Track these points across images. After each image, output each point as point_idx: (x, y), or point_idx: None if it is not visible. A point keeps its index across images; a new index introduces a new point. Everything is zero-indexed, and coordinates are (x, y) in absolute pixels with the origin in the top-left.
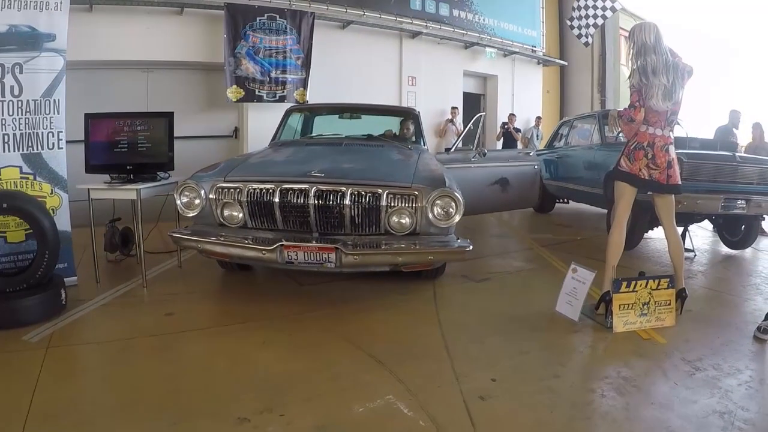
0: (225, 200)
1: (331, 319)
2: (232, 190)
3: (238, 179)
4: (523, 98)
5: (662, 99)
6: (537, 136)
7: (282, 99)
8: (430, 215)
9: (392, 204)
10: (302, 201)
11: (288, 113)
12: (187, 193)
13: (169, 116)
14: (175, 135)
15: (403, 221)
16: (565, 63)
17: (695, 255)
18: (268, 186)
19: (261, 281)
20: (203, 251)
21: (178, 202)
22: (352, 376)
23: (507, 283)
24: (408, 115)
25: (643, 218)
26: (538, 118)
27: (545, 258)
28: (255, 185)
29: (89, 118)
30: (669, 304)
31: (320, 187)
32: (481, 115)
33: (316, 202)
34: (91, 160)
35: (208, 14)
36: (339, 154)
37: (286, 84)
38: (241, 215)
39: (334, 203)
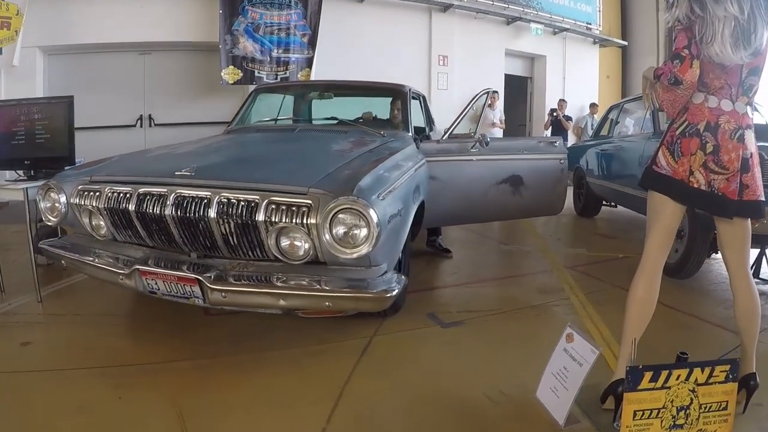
0: (87, 206)
1: (182, 378)
2: (92, 193)
3: (102, 179)
4: (576, 82)
5: (732, 44)
6: (592, 125)
7: (284, 81)
8: (326, 237)
9: (274, 219)
10: (158, 210)
11: (255, 94)
12: (50, 195)
13: (68, 101)
14: (174, 121)
15: (297, 244)
16: (625, 43)
17: None
18: (125, 189)
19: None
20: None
21: (41, 206)
22: None
23: (486, 333)
24: (395, 93)
25: (704, 239)
26: (593, 105)
27: (565, 288)
28: (113, 187)
29: None
30: (725, 408)
31: (182, 191)
32: (487, 91)
33: (174, 212)
34: None
35: None
36: (261, 145)
37: (288, 64)
38: (105, 226)
39: (197, 215)
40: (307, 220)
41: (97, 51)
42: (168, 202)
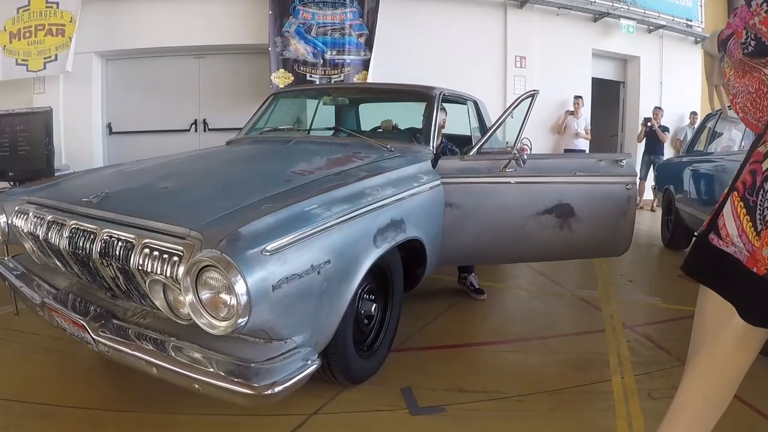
0: (19, 227)
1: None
2: (22, 215)
3: (34, 201)
4: (675, 88)
5: None
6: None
7: (323, 84)
8: (190, 299)
9: (146, 266)
10: (57, 241)
11: (273, 99)
12: None
13: (46, 114)
14: (226, 126)
15: (181, 300)
16: None
17: None
18: (42, 214)
19: None
20: None
21: None
22: None
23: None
24: (419, 97)
25: None
26: (694, 114)
27: (612, 362)
28: (37, 211)
29: None
30: None
31: (77, 223)
32: (531, 94)
33: (67, 245)
34: None
35: None
36: (215, 164)
37: (344, 66)
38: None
39: (83, 251)
40: (176, 273)
41: (153, 55)
42: (64, 234)
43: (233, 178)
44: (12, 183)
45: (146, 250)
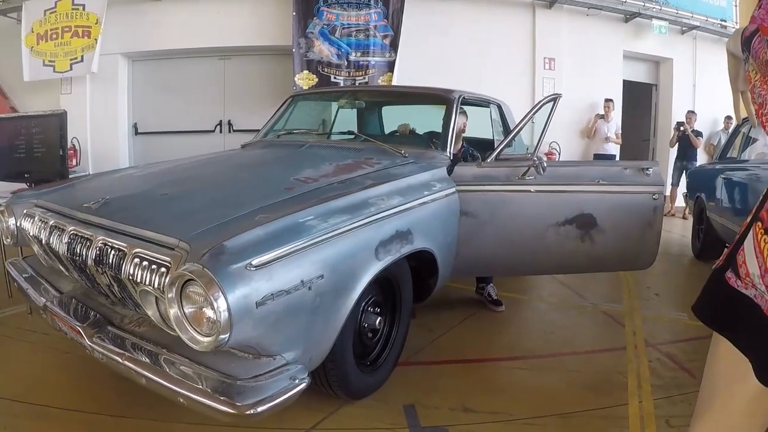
0: (26, 231)
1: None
2: (29, 218)
3: (43, 204)
4: (709, 91)
5: None
6: None
7: (346, 86)
8: (172, 312)
9: (135, 276)
10: (57, 247)
11: (292, 101)
12: (2, 217)
13: (60, 117)
14: (251, 128)
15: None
16: None
17: None
18: (46, 218)
19: None
20: None
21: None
22: None
23: None
24: (438, 101)
25: None
26: (728, 118)
27: (630, 383)
28: (43, 215)
29: None
30: None
31: (76, 228)
32: (554, 97)
33: (65, 251)
34: None
35: None
36: (220, 169)
37: (368, 68)
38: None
39: (80, 258)
40: (163, 284)
41: (179, 56)
42: (63, 239)
43: (235, 185)
44: (29, 184)
45: (136, 260)
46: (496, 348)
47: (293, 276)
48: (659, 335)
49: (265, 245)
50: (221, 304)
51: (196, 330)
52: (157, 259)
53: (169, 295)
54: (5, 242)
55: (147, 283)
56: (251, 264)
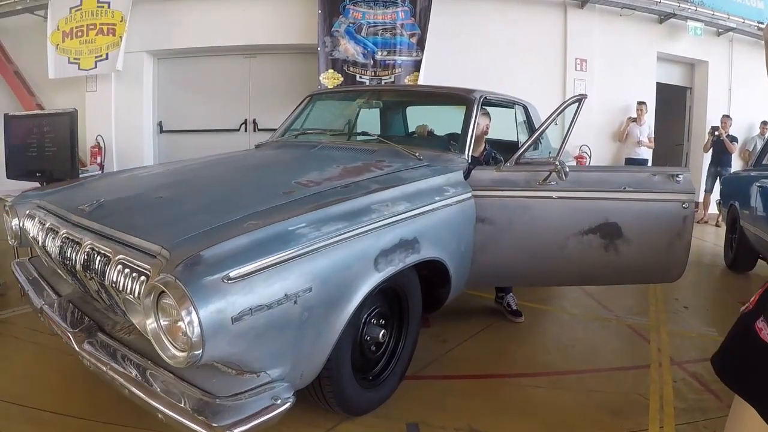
0: (28, 232)
1: None
2: (30, 220)
3: (44, 205)
4: (744, 95)
5: None
6: None
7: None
8: (149, 324)
9: (118, 283)
10: (51, 248)
11: (310, 100)
12: (6, 217)
13: (71, 116)
14: (276, 127)
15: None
16: None
17: None
18: (45, 219)
19: None
20: None
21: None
22: None
23: None
24: (458, 101)
25: None
26: (765, 123)
27: (652, 406)
28: (43, 217)
29: (10, 119)
30: None
31: (68, 231)
32: (579, 98)
33: (57, 254)
34: (10, 165)
35: None
36: (222, 171)
37: (395, 67)
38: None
39: (72, 260)
40: (141, 294)
41: (204, 54)
42: (56, 242)
43: (235, 188)
44: (41, 183)
45: (119, 266)
46: (512, 362)
47: (276, 289)
48: (686, 352)
49: (246, 255)
50: (193, 318)
51: (172, 344)
52: (138, 266)
53: (145, 306)
54: (11, 242)
55: (128, 291)
56: (228, 276)
